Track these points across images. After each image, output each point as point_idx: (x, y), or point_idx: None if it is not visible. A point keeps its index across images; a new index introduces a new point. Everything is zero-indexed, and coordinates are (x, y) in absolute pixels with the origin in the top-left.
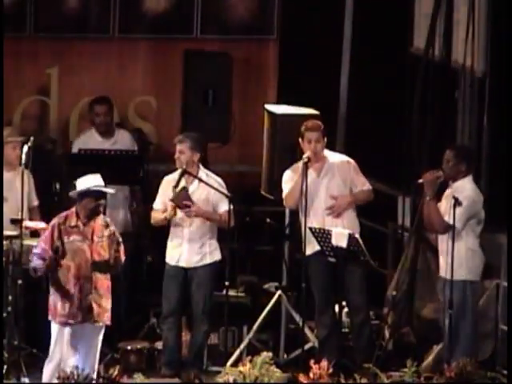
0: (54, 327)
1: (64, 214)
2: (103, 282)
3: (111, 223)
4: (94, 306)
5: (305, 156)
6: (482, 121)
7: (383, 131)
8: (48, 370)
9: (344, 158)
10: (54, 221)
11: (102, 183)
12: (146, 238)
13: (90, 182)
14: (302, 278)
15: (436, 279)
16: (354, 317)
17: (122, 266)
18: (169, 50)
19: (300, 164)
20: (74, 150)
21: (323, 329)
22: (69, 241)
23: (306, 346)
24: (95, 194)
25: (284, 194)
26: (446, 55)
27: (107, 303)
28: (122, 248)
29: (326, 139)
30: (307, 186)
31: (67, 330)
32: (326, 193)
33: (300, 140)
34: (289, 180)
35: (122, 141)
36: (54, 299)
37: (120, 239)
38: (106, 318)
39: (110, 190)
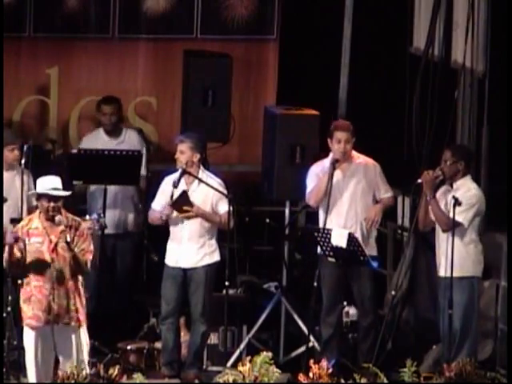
0: (25, 331)
1: (30, 216)
2: (65, 282)
3: (81, 223)
4: (54, 306)
5: (333, 157)
6: (482, 121)
7: (383, 131)
8: (29, 379)
9: (370, 160)
10: (20, 224)
11: (58, 184)
12: (150, 239)
13: (44, 184)
14: (315, 277)
15: (436, 279)
16: (362, 319)
17: (86, 269)
18: (169, 49)
19: (326, 163)
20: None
21: (328, 328)
22: (29, 243)
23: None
24: (47, 197)
25: (307, 192)
26: (445, 55)
27: (71, 303)
28: (87, 246)
29: (354, 139)
30: (331, 187)
31: (35, 333)
32: (350, 194)
33: (328, 140)
34: (314, 177)
35: (129, 141)
36: (21, 304)
37: (85, 236)
38: (67, 319)
39: (60, 193)
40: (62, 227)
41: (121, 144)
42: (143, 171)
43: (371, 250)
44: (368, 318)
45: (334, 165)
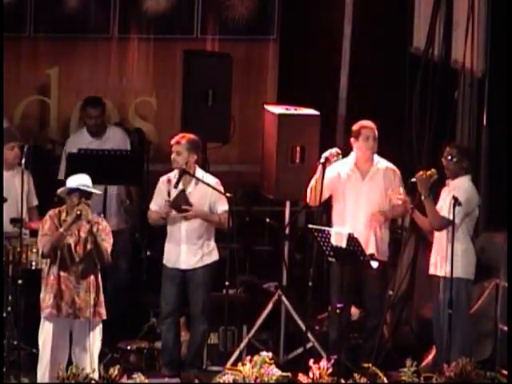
0: (42, 324)
1: (58, 209)
2: (88, 277)
3: (102, 220)
4: (77, 300)
5: (324, 155)
6: (482, 121)
7: (383, 131)
8: (40, 371)
9: (390, 165)
10: (50, 213)
11: (89, 183)
12: (143, 236)
13: (77, 181)
14: (325, 278)
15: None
16: (368, 320)
17: (107, 256)
18: (169, 49)
19: (343, 163)
20: (67, 150)
21: (338, 329)
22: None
23: (306, 346)
24: (79, 193)
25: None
26: (445, 55)
27: (92, 298)
28: (108, 239)
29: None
30: (347, 189)
31: (53, 324)
32: (366, 198)
33: (352, 139)
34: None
35: (113, 139)
36: (43, 294)
37: (107, 231)
38: (89, 313)
39: (94, 191)
40: (104, 223)
41: (105, 143)
42: None
43: (383, 255)
44: (374, 319)
45: (325, 164)
